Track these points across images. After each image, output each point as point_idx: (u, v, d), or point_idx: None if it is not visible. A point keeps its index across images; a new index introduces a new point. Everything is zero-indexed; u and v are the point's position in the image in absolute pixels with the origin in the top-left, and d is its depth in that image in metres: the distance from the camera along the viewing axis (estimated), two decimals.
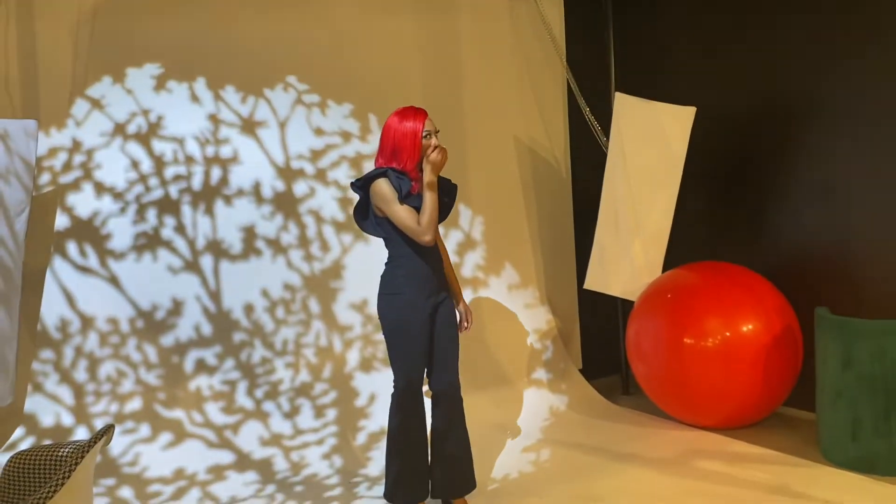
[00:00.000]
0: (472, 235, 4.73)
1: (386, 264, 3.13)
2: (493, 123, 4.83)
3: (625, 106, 4.37)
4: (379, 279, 3.12)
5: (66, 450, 2.39)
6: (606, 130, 4.53)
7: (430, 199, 2.93)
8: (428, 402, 3.15)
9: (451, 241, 4.62)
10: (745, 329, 3.87)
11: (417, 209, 2.96)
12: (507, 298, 4.83)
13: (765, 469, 3.48)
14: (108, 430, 2.30)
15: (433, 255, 3.11)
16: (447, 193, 3.17)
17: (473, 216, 4.73)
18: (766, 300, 3.98)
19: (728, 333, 3.89)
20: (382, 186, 2.95)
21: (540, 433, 4.21)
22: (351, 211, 4.23)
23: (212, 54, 3.93)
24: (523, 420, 4.37)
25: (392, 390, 3.11)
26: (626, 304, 4.70)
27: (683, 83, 4.80)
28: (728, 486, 3.30)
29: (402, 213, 2.95)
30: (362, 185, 3.03)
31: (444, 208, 3.14)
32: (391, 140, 3.01)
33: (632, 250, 4.46)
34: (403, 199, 2.95)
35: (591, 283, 4.54)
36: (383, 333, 3.13)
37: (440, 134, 3.07)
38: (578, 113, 4.77)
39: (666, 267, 4.48)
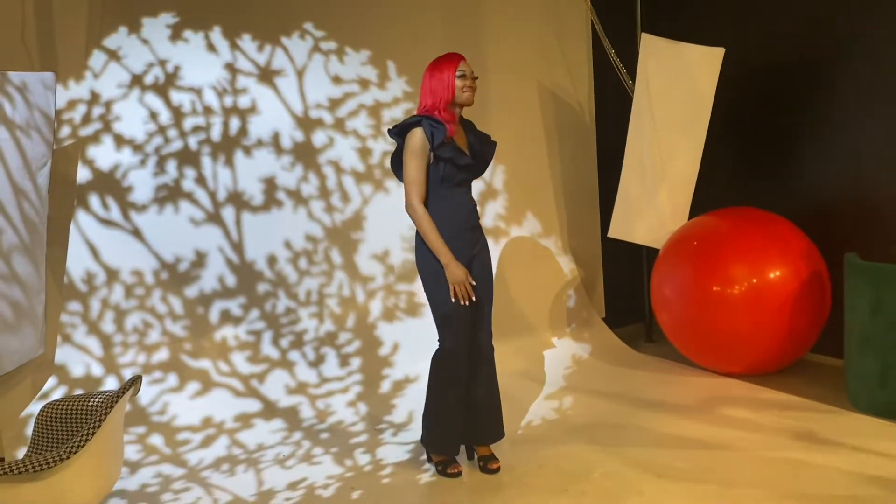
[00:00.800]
0: (494, 184, 4.68)
1: None
2: (515, 68, 4.72)
3: (651, 47, 4.24)
4: (398, 231, 3.08)
5: (97, 399, 2.43)
6: (632, 74, 4.42)
7: (432, 241, 2.91)
8: None
9: (473, 190, 4.54)
10: (772, 276, 3.81)
11: (449, 159, 2.92)
12: (529, 248, 4.80)
13: (791, 416, 3.46)
14: (135, 381, 2.33)
15: (468, 204, 3.07)
16: (484, 145, 3.12)
17: (494, 165, 4.67)
18: (794, 246, 3.91)
19: (755, 280, 3.83)
20: (415, 137, 2.91)
21: (563, 381, 4.21)
22: (370, 161, 4.20)
23: (227, 2, 3.86)
24: (546, 368, 4.38)
25: (437, 347, 3.06)
26: (651, 253, 4.65)
27: (712, 23, 4.65)
28: (753, 432, 3.29)
29: (412, 171, 2.91)
30: (399, 132, 2.99)
31: (482, 164, 3.11)
32: (427, 85, 2.99)
33: (657, 197, 4.38)
34: (436, 148, 2.90)
35: (615, 232, 4.48)
36: (424, 288, 3.07)
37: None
38: (603, 56, 4.65)
39: (692, 214, 4.40)
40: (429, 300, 3.04)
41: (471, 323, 3.05)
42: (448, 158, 2.93)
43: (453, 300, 2.93)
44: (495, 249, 4.60)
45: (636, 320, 5.14)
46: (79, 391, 3.51)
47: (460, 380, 3.04)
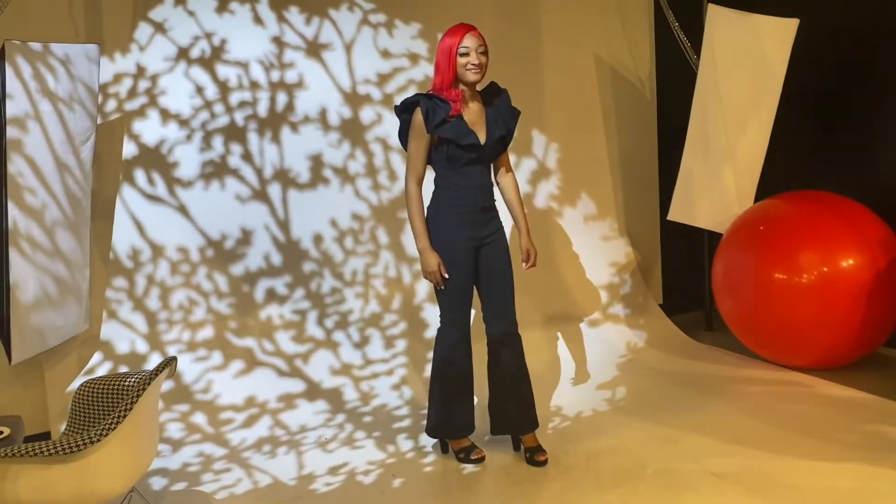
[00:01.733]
0: (547, 163, 4.50)
1: (432, 194, 2.97)
2: (572, 42, 4.51)
3: (719, 19, 3.99)
4: None
5: (133, 379, 2.39)
6: (696, 48, 4.17)
7: (414, 224, 2.86)
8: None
9: (523, 169, 4.40)
10: (844, 264, 3.56)
11: (449, 140, 2.80)
12: (583, 230, 4.61)
13: (861, 414, 3.23)
14: (170, 362, 2.27)
15: (482, 185, 2.93)
16: (505, 118, 2.94)
17: (548, 143, 4.49)
18: (869, 232, 3.64)
19: (826, 269, 3.59)
20: (416, 117, 2.81)
21: (616, 370, 4.04)
22: None
23: None
24: (599, 356, 4.21)
25: (438, 328, 3.01)
26: (713, 237, 4.41)
27: None
28: (820, 432, 3.07)
29: (411, 152, 2.85)
30: (402, 108, 2.89)
31: (506, 135, 2.94)
32: (436, 59, 2.86)
33: (722, 178, 4.14)
34: (436, 126, 2.78)
35: (675, 214, 4.26)
36: None
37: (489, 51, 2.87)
38: (666, 28, 4.40)
39: (758, 196, 4.15)
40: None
41: (488, 310, 2.98)
42: (449, 139, 2.80)
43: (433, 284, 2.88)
44: (546, 231, 4.44)
45: (695, 308, 4.91)
46: (123, 368, 3.51)
47: (460, 360, 2.96)
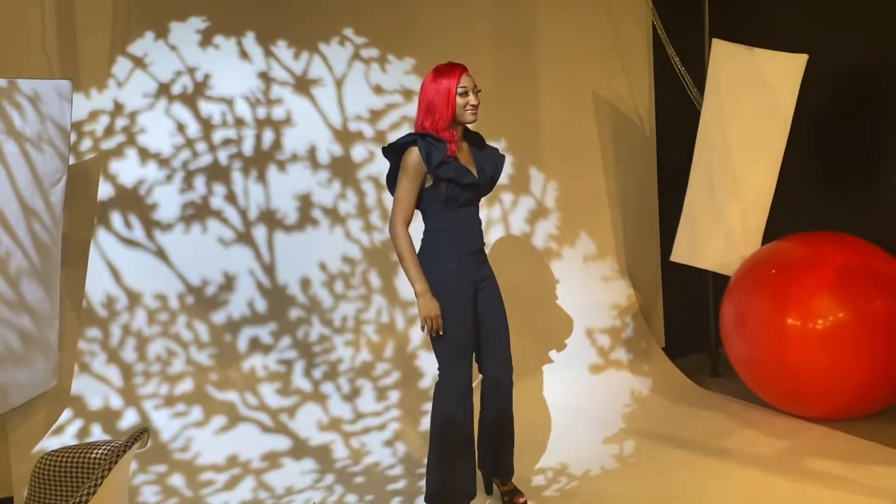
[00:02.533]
0: (545, 202, 4.32)
1: (422, 239, 2.82)
2: (569, 77, 4.37)
3: (723, 54, 3.86)
4: None
5: (100, 451, 2.14)
6: (698, 83, 4.04)
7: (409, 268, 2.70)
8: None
9: (521, 208, 4.22)
10: (860, 309, 3.38)
11: (451, 179, 2.69)
12: (582, 271, 4.42)
13: (892, 472, 3.02)
14: (141, 434, 2.04)
15: (474, 226, 2.83)
16: (492, 161, 2.86)
17: (546, 181, 4.31)
18: (885, 274, 3.48)
19: (841, 314, 3.41)
20: (411, 157, 2.67)
21: (622, 421, 3.82)
22: None
23: (261, 6, 3.58)
24: (603, 405, 3.99)
25: (437, 382, 2.82)
26: (718, 279, 4.23)
27: (791, 26, 4.22)
28: (849, 493, 2.85)
29: (401, 191, 2.70)
30: (393, 151, 2.74)
31: (489, 182, 2.85)
32: (425, 99, 2.73)
33: (728, 218, 3.98)
34: (435, 168, 2.66)
35: (678, 255, 4.09)
36: None
37: (482, 93, 2.78)
38: (666, 63, 4.26)
39: (766, 238, 3.98)
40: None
41: (486, 355, 2.87)
42: (450, 178, 2.69)
43: (422, 331, 2.73)
44: (544, 271, 4.26)
45: (697, 350, 4.72)
46: (96, 426, 3.25)
47: (462, 417, 2.78)
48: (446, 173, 2.68)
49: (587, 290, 4.43)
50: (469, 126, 2.81)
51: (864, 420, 3.56)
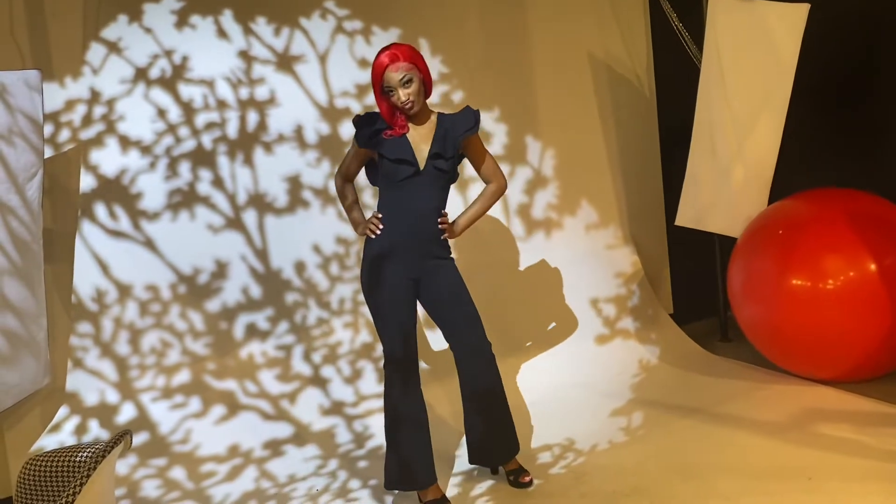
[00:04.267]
0: (543, 171, 4.19)
1: None
2: (563, 39, 4.21)
3: (721, 7, 3.70)
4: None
5: (84, 454, 2.08)
6: (696, 39, 3.88)
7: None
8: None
9: (518, 178, 4.10)
10: (872, 267, 3.27)
11: (381, 154, 2.65)
12: (584, 240, 4.32)
13: None
14: (123, 436, 1.97)
15: (419, 213, 2.67)
16: (443, 141, 2.67)
17: (543, 149, 4.19)
18: None
19: (852, 273, 3.30)
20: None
21: (630, 391, 3.74)
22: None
23: None
24: (610, 376, 3.91)
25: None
26: (725, 241, 4.11)
27: None
28: (862, 456, 2.77)
29: (348, 154, 2.83)
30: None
31: (441, 152, 2.66)
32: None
33: (732, 179, 3.85)
34: (369, 137, 2.64)
35: (683, 219, 3.97)
36: None
37: (411, 85, 2.59)
38: (663, 20, 4.10)
39: (772, 197, 3.86)
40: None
41: (450, 338, 2.80)
42: (380, 154, 2.66)
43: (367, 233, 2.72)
44: (546, 242, 4.16)
45: (706, 315, 4.62)
46: (93, 421, 3.20)
47: (408, 403, 2.71)
48: (377, 148, 2.64)
49: (591, 260, 4.33)
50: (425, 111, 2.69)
51: (876, 381, 3.46)
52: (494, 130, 4.02)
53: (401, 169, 2.62)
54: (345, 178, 2.84)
